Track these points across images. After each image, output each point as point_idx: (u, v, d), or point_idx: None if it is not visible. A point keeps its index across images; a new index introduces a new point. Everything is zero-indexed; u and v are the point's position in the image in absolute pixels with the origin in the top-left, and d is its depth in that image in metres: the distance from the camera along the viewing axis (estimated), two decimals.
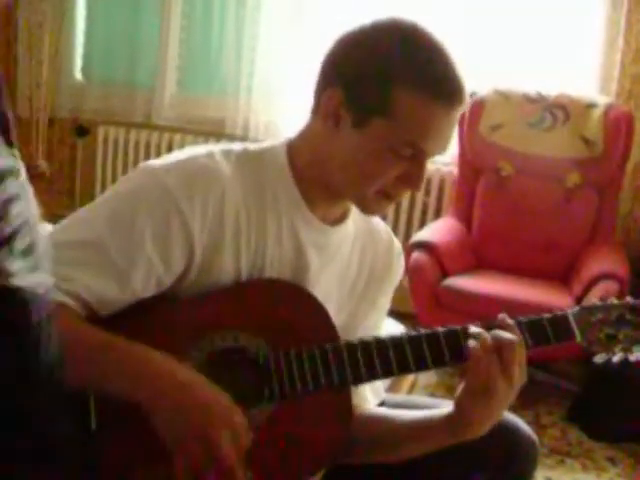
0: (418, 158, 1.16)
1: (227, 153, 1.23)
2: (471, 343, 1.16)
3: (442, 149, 1.19)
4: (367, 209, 1.24)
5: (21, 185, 0.63)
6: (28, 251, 0.62)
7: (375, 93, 1.14)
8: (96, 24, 4.66)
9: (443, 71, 1.13)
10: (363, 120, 1.15)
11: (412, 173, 1.17)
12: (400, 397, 1.58)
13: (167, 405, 1.05)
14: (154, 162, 1.21)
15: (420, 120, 1.13)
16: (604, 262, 3.13)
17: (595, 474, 2.65)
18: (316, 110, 1.22)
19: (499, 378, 1.14)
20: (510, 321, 1.19)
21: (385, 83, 1.13)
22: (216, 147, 1.25)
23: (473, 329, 1.19)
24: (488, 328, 1.19)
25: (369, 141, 1.16)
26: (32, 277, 0.62)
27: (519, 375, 1.16)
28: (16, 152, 0.66)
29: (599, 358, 1.23)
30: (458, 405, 1.19)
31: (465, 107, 1.17)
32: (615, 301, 1.25)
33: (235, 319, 1.18)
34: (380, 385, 1.41)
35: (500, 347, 1.15)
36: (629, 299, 1.25)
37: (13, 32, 4.70)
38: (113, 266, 1.12)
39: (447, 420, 1.21)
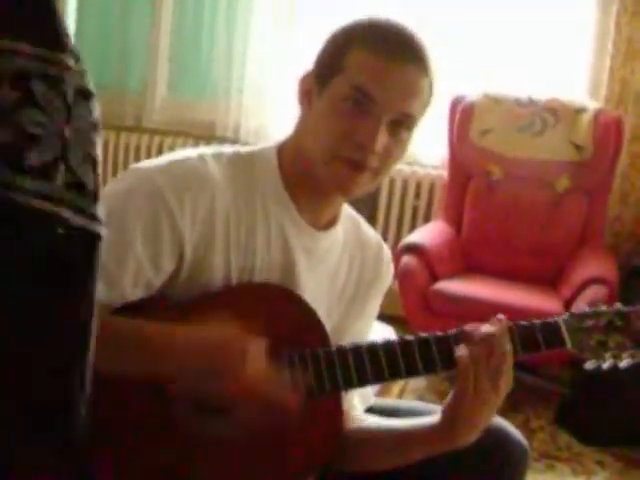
0: (371, 112, 1.16)
1: (218, 155, 1.23)
2: (460, 349, 1.16)
3: (395, 105, 1.16)
4: (335, 181, 1.20)
5: (53, 93, 0.58)
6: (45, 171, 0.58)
7: (331, 58, 1.19)
8: (86, 27, 4.65)
9: (387, 29, 1.18)
10: (324, 84, 1.19)
11: (365, 126, 1.16)
12: (390, 402, 1.58)
13: (201, 350, 1.10)
14: (144, 164, 1.21)
15: (364, 66, 1.16)
16: (593, 266, 3.14)
17: (584, 478, 2.66)
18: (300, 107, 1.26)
19: (486, 383, 1.14)
20: (496, 327, 1.18)
21: (339, 48, 1.18)
22: (207, 150, 1.25)
23: (465, 331, 1.19)
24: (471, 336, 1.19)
25: (328, 99, 1.18)
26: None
27: (506, 382, 1.16)
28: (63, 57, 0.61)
29: (589, 364, 1.23)
30: (445, 413, 1.20)
31: (419, 69, 1.17)
32: (605, 308, 1.25)
33: (224, 324, 1.18)
34: (369, 390, 1.41)
35: (489, 354, 1.15)
36: (618, 305, 1.25)
37: None
38: (103, 268, 1.11)
39: (436, 429, 1.21)
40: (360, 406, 1.39)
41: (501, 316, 1.20)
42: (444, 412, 1.20)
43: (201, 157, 1.21)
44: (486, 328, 1.17)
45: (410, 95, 1.17)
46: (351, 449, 1.29)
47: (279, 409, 1.10)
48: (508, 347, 1.16)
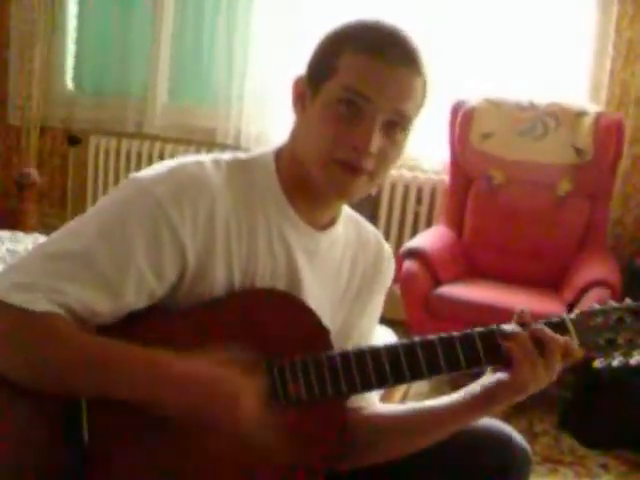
0: (366, 115, 1.15)
1: (216, 162, 1.23)
2: (508, 345, 1.17)
3: (389, 107, 1.16)
4: (331, 183, 1.20)
5: None
6: None
7: (323, 63, 1.19)
8: (87, 33, 4.66)
9: (380, 33, 1.18)
10: (317, 89, 1.19)
11: (360, 131, 1.15)
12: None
13: (174, 390, 1.09)
14: (142, 173, 1.20)
15: (357, 69, 1.15)
16: (596, 269, 3.14)
17: None
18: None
19: (541, 368, 1.16)
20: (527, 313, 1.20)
21: (331, 52, 1.18)
22: (206, 156, 1.25)
23: (507, 328, 1.18)
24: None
25: (321, 103, 1.18)
26: None
27: (559, 363, 1.18)
28: None
29: (599, 363, 1.21)
30: (487, 397, 1.21)
31: (413, 71, 1.17)
32: (614, 304, 1.23)
33: (228, 329, 1.18)
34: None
35: (542, 342, 1.16)
36: (628, 301, 1.23)
37: (5, 42, 4.70)
38: (104, 279, 1.11)
39: (470, 402, 1.23)
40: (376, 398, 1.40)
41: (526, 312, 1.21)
42: (485, 398, 1.21)
43: (199, 163, 1.21)
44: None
45: (403, 95, 1.16)
46: (375, 438, 1.30)
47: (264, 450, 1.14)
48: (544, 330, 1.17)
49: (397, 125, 1.18)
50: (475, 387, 1.23)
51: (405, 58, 1.16)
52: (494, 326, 1.20)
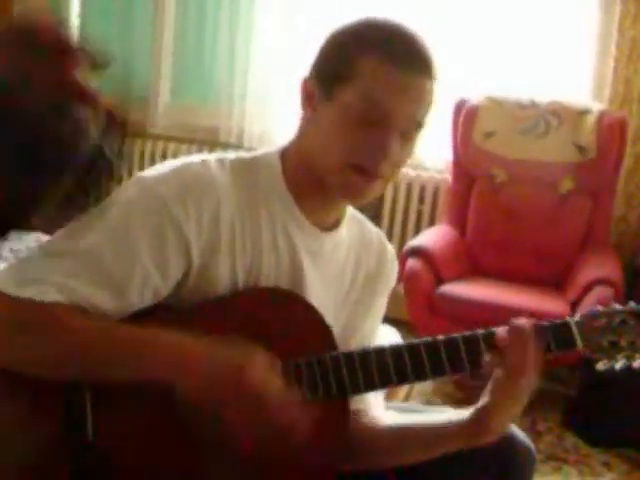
0: (383, 123, 1.16)
1: (221, 161, 1.23)
2: (505, 330, 1.17)
3: (408, 118, 1.17)
4: (345, 189, 1.21)
5: None
6: None
7: (337, 63, 1.18)
8: (89, 33, 4.65)
9: (401, 39, 1.17)
10: (330, 90, 1.18)
11: (378, 138, 1.16)
12: (397, 405, 1.58)
13: (198, 375, 1.08)
14: (147, 172, 1.21)
15: (379, 80, 1.14)
16: (598, 267, 3.14)
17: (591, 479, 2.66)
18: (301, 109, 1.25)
19: (533, 375, 1.15)
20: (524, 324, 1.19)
21: (347, 53, 1.17)
22: (210, 156, 1.25)
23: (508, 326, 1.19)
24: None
25: (337, 108, 1.17)
26: None
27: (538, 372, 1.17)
28: None
29: (601, 365, 1.21)
30: (486, 411, 1.19)
31: (432, 80, 1.17)
32: (618, 306, 1.22)
33: (232, 329, 1.18)
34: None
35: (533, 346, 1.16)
36: (632, 304, 1.23)
37: None
38: (110, 277, 1.12)
39: (465, 424, 1.21)
40: (380, 403, 1.39)
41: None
42: (484, 413, 1.19)
43: (204, 163, 1.21)
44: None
45: (422, 103, 1.17)
46: (369, 447, 1.29)
47: (286, 428, 1.10)
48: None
49: (411, 129, 1.19)
50: (466, 413, 1.23)
51: (425, 66, 1.16)
52: (493, 328, 1.20)
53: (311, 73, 1.22)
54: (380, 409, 1.38)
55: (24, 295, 1.07)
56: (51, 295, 1.07)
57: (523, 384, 1.15)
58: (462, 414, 1.22)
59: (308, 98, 1.21)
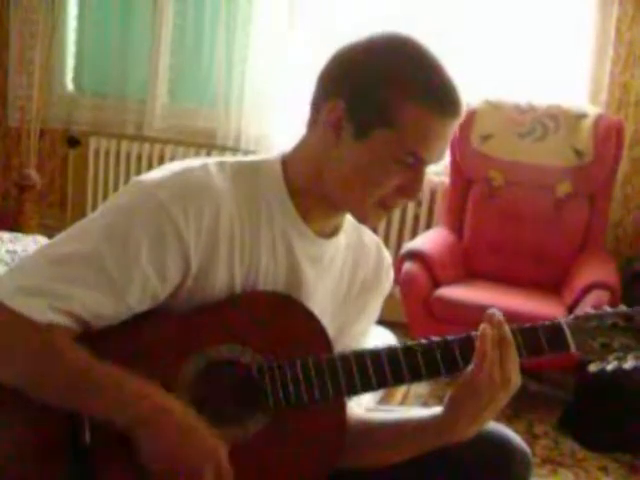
0: (417, 167, 1.17)
1: (221, 165, 1.23)
2: (479, 342, 1.16)
3: (439, 158, 1.20)
4: (365, 220, 1.25)
5: None
6: None
7: (377, 105, 1.15)
8: (87, 35, 4.66)
9: (442, 85, 1.15)
10: (365, 131, 1.16)
11: (410, 182, 1.18)
12: (393, 408, 1.58)
13: (148, 432, 1.09)
14: (147, 176, 1.20)
15: (422, 130, 1.14)
16: (595, 271, 3.14)
17: None
18: (313, 123, 1.22)
19: (497, 373, 1.14)
20: (499, 315, 1.19)
21: (387, 96, 1.14)
22: (210, 160, 1.24)
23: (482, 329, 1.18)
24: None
25: (371, 151, 1.16)
26: None
27: (515, 376, 1.16)
28: None
29: (593, 367, 1.22)
30: (451, 404, 1.19)
31: (462, 117, 1.18)
32: (609, 309, 1.24)
33: (229, 332, 1.18)
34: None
35: (500, 342, 1.15)
36: (623, 307, 1.24)
37: (4, 43, 4.70)
38: (109, 281, 1.11)
39: (436, 418, 1.21)
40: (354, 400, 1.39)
41: (493, 310, 1.20)
42: (449, 404, 1.19)
43: (204, 167, 1.21)
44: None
45: (449, 142, 1.20)
46: (349, 445, 1.28)
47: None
48: (510, 335, 1.17)
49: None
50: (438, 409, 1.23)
51: (460, 108, 1.17)
52: (453, 337, 1.21)
53: (340, 96, 1.17)
54: (356, 406, 1.37)
55: (13, 304, 1.08)
56: (41, 313, 1.08)
57: (482, 379, 1.14)
58: (435, 410, 1.23)
59: (334, 125, 1.18)
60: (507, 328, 1.17)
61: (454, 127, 1.17)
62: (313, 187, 1.23)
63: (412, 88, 1.14)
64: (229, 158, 1.27)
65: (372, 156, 1.16)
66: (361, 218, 1.25)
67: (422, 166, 1.18)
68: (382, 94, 1.14)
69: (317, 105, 1.21)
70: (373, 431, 1.31)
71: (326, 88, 1.20)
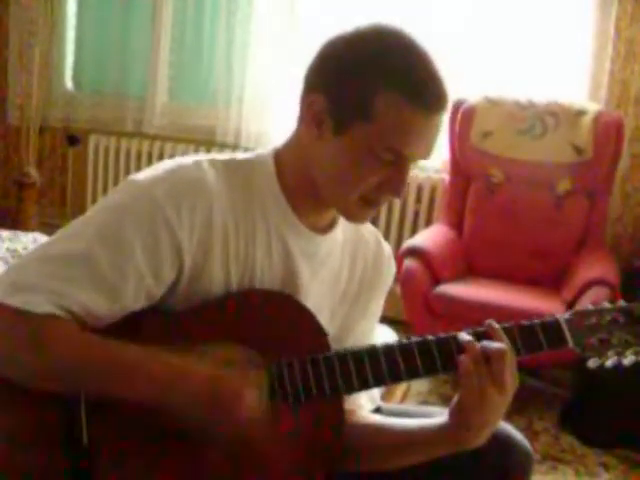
0: (399, 163, 1.15)
1: (214, 162, 1.22)
2: (461, 357, 1.14)
3: (424, 155, 1.16)
4: (350, 216, 1.23)
5: None
6: None
7: (356, 98, 1.12)
8: (87, 33, 4.66)
9: (425, 77, 1.11)
10: (343, 125, 1.14)
11: (393, 179, 1.16)
12: (394, 406, 1.57)
13: (210, 401, 1.09)
14: (140, 175, 1.19)
15: (401, 125, 1.11)
16: (595, 268, 3.14)
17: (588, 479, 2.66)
18: (300, 118, 1.21)
19: (491, 389, 1.12)
20: (496, 326, 1.17)
21: (366, 88, 1.11)
22: (203, 157, 1.24)
23: (463, 337, 1.17)
24: (477, 336, 1.17)
25: (350, 147, 1.14)
26: None
27: (511, 382, 1.14)
28: None
29: (592, 363, 1.21)
30: (453, 417, 1.18)
31: (447, 112, 1.15)
32: (607, 305, 1.23)
33: (225, 330, 1.18)
34: (376, 391, 1.41)
35: (489, 358, 1.13)
36: (621, 302, 1.24)
37: (4, 41, 4.70)
38: (104, 280, 1.11)
39: (443, 431, 1.19)
40: (368, 405, 1.39)
41: (490, 321, 1.19)
42: (451, 415, 1.18)
43: (197, 164, 1.20)
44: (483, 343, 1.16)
45: (437, 136, 1.16)
46: (356, 448, 1.28)
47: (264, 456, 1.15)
48: (508, 345, 1.15)
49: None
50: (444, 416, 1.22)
51: (445, 101, 1.13)
52: (450, 334, 1.20)
53: (320, 90, 1.15)
54: (365, 410, 1.37)
55: (11, 302, 1.07)
56: (41, 306, 1.07)
57: (473, 398, 1.13)
58: (443, 421, 1.20)
59: (315, 119, 1.16)
60: (497, 345, 1.14)
61: (438, 122, 1.14)
62: (303, 182, 1.23)
63: (391, 78, 1.10)
64: (222, 155, 1.26)
65: (351, 152, 1.14)
66: (345, 214, 1.23)
67: (405, 162, 1.15)
68: (359, 85, 1.11)
69: (302, 99, 1.20)
70: (382, 436, 1.30)
71: (308, 81, 1.19)
